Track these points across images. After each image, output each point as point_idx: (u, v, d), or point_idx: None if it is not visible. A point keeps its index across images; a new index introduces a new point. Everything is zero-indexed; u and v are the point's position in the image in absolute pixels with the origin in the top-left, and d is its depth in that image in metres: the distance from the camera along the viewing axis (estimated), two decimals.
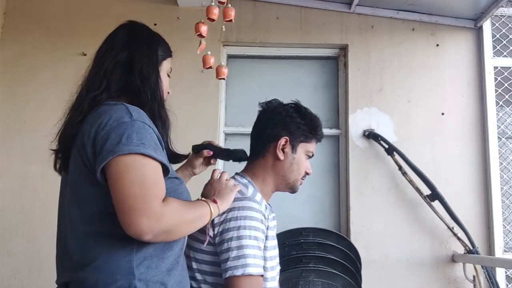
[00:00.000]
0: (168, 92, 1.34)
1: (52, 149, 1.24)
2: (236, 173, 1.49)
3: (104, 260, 1.06)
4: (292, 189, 1.50)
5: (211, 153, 1.51)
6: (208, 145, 1.53)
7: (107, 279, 1.05)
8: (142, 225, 1.01)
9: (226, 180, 1.36)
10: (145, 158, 1.06)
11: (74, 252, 1.10)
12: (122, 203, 1.02)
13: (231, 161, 1.54)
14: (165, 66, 1.31)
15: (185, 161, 1.49)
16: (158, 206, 1.04)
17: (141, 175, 1.04)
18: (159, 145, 1.13)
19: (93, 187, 1.08)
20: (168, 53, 1.33)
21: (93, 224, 1.09)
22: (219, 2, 1.98)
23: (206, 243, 1.31)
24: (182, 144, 1.41)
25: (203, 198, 1.27)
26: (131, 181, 1.03)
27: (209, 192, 1.32)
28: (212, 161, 1.56)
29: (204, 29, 2.08)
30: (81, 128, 1.14)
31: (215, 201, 1.25)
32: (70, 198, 1.14)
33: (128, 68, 1.22)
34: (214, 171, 1.42)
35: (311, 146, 1.50)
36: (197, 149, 1.54)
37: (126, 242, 1.06)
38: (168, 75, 1.34)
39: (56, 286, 1.18)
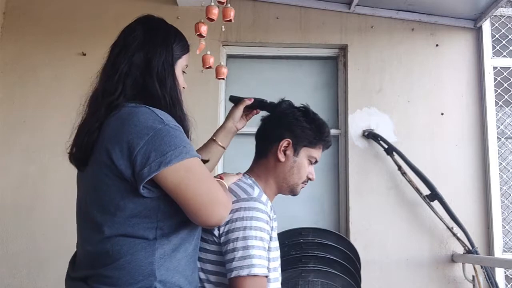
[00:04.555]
0: (183, 87, 1.33)
1: (69, 153, 1.23)
2: (229, 174, 1.49)
3: (127, 260, 1.10)
4: (292, 192, 1.50)
5: (252, 99, 1.48)
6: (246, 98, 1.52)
7: (130, 279, 1.09)
8: (221, 213, 1.14)
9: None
10: (194, 158, 1.13)
11: (98, 251, 1.13)
12: (198, 201, 1.11)
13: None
14: (181, 64, 1.30)
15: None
16: (224, 194, 1.17)
17: (201, 174, 1.13)
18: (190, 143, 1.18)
19: (123, 194, 1.11)
20: (184, 50, 1.31)
21: (119, 227, 1.12)
22: (219, 2, 1.98)
23: (211, 242, 1.31)
24: None
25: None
26: (197, 181, 1.11)
27: None
28: (255, 111, 1.57)
29: (204, 29, 2.08)
30: (103, 133, 1.14)
31: (221, 178, 1.34)
32: (92, 202, 1.16)
33: (144, 71, 1.19)
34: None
35: (315, 152, 1.48)
36: (237, 99, 1.53)
37: (148, 245, 1.12)
38: (184, 71, 1.33)
39: (69, 278, 1.22)
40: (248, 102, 1.52)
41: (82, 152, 1.17)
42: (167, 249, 1.13)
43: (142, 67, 1.19)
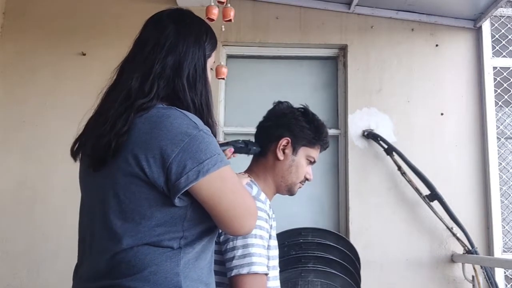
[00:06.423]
0: None
1: (88, 154, 1.13)
2: (238, 174, 1.49)
3: (152, 271, 1.04)
4: (290, 192, 1.52)
5: (233, 150, 1.44)
6: (229, 142, 1.45)
7: None
8: (252, 224, 1.13)
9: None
10: (227, 166, 1.09)
11: (117, 260, 1.06)
12: (232, 212, 1.08)
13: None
14: (210, 62, 1.24)
15: None
16: (254, 203, 1.14)
17: (235, 183, 1.11)
18: None
19: (151, 203, 1.05)
20: (214, 47, 1.26)
21: (143, 237, 1.05)
22: (219, 2, 1.98)
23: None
24: None
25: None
26: (232, 191, 1.09)
27: None
28: (233, 155, 1.48)
29: None
30: (130, 136, 1.05)
31: None
32: (112, 209, 1.07)
33: (175, 73, 1.13)
34: None
35: (313, 152, 1.50)
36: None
37: (173, 254, 1.06)
38: (211, 68, 1.26)
39: None
40: (229, 154, 1.39)
41: (105, 154, 1.07)
42: (191, 257, 1.08)
43: (173, 69, 1.13)
